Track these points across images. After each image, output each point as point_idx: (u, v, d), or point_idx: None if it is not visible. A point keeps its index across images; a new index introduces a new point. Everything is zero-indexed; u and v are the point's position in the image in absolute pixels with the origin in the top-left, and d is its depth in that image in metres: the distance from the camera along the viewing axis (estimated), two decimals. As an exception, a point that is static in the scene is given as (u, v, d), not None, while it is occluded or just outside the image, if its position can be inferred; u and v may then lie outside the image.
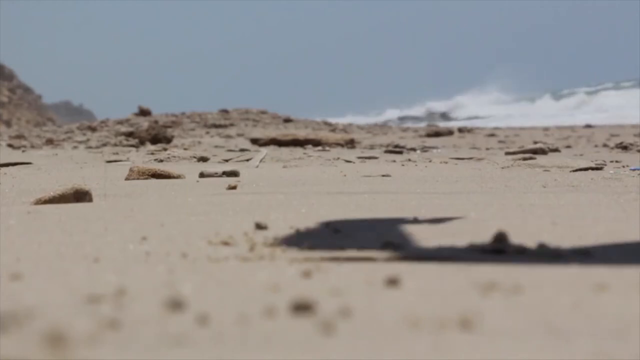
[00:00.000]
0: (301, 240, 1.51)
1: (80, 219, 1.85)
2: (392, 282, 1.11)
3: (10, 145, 7.38)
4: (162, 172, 3.15)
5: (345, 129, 11.45)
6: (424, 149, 6.22)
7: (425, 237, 1.53)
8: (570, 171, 3.38)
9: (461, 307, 0.98)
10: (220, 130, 10.43)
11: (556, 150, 5.46)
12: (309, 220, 1.77)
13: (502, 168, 3.65)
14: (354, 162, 4.43)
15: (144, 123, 10.57)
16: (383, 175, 3.08)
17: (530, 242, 1.46)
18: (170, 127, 10.42)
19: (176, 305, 0.98)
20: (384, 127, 12.68)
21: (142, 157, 4.96)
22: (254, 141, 6.90)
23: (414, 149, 6.18)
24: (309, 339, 0.85)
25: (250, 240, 1.52)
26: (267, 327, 0.90)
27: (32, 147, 7.38)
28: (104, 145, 7.21)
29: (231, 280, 1.16)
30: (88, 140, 8.46)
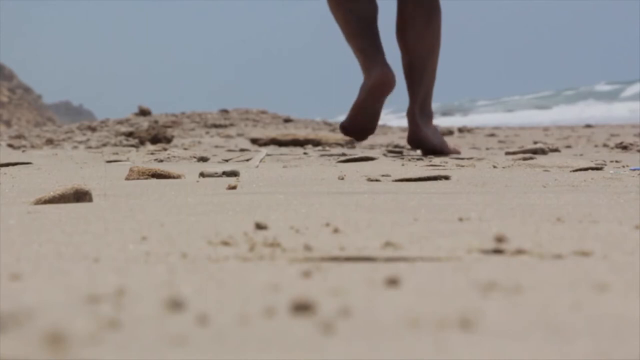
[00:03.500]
0: (301, 240, 1.51)
1: (80, 219, 1.85)
2: (392, 282, 1.12)
3: (10, 145, 7.38)
4: (162, 172, 3.15)
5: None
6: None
7: (425, 237, 1.54)
8: (570, 171, 3.38)
9: (461, 307, 0.98)
10: (220, 130, 10.42)
11: (556, 150, 5.45)
12: (309, 220, 1.78)
13: (503, 168, 3.65)
14: (354, 162, 4.43)
15: (144, 123, 10.56)
16: (383, 175, 3.08)
17: (530, 242, 1.46)
18: (170, 127, 10.41)
19: (176, 305, 0.98)
20: (383, 127, 12.69)
21: (142, 157, 4.96)
22: (254, 141, 6.90)
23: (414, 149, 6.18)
24: (309, 339, 0.85)
25: (250, 240, 1.52)
26: (267, 327, 0.90)
27: (32, 147, 7.37)
28: (104, 145, 7.21)
29: (231, 280, 1.16)
30: (88, 140, 8.45)
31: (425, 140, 4.78)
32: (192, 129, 10.61)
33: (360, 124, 4.62)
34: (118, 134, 8.87)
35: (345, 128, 4.69)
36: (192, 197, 2.35)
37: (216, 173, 3.18)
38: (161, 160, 4.65)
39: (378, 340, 0.85)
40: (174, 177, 3.13)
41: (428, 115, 4.80)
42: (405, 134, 6.92)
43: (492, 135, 9.20)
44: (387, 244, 1.44)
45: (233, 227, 1.68)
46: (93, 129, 10.62)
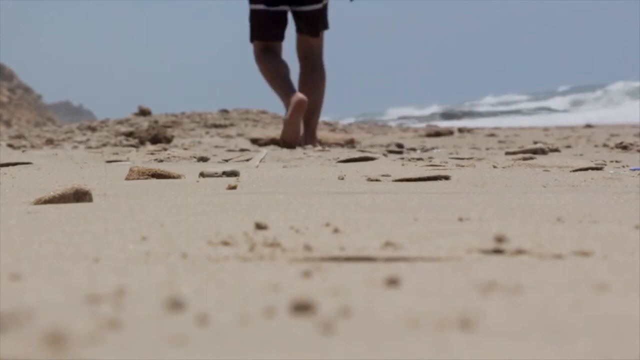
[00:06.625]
0: (301, 240, 1.51)
1: (80, 219, 1.85)
2: (392, 282, 1.12)
3: (10, 145, 7.38)
4: (162, 172, 3.15)
5: (345, 129, 11.45)
6: (424, 149, 6.22)
7: (425, 237, 1.54)
8: (570, 171, 3.38)
9: (461, 307, 0.98)
10: (220, 130, 10.42)
11: (556, 150, 5.45)
12: (309, 220, 1.78)
13: (503, 168, 3.65)
14: (354, 162, 4.43)
15: (144, 123, 10.56)
16: (383, 175, 3.08)
17: (530, 242, 1.47)
18: (170, 127, 10.40)
19: (176, 305, 0.98)
20: (384, 127, 12.69)
21: (142, 157, 4.96)
22: (254, 141, 6.90)
23: (414, 149, 6.19)
24: (309, 339, 0.85)
25: (250, 240, 1.52)
26: (267, 327, 0.90)
27: (32, 147, 7.37)
28: (104, 145, 7.21)
29: (231, 280, 1.16)
30: (88, 140, 8.46)
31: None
32: (192, 129, 10.62)
33: (292, 134, 6.89)
34: (118, 134, 8.86)
35: (283, 139, 6.88)
36: (192, 197, 2.35)
37: (216, 173, 3.18)
38: (161, 160, 4.65)
39: (378, 340, 0.85)
40: (174, 177, 3.14)
41: (315, 139, 7.22)
42: (405, 134, 9.19)
43: (492, 135, 9.20)
44: (387, 244, 1.44)
45: (233, 227, 1.68)
46: (93, 129, 10.62)
